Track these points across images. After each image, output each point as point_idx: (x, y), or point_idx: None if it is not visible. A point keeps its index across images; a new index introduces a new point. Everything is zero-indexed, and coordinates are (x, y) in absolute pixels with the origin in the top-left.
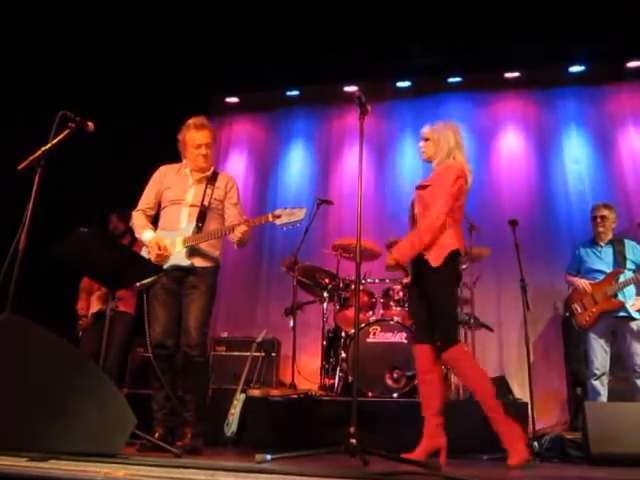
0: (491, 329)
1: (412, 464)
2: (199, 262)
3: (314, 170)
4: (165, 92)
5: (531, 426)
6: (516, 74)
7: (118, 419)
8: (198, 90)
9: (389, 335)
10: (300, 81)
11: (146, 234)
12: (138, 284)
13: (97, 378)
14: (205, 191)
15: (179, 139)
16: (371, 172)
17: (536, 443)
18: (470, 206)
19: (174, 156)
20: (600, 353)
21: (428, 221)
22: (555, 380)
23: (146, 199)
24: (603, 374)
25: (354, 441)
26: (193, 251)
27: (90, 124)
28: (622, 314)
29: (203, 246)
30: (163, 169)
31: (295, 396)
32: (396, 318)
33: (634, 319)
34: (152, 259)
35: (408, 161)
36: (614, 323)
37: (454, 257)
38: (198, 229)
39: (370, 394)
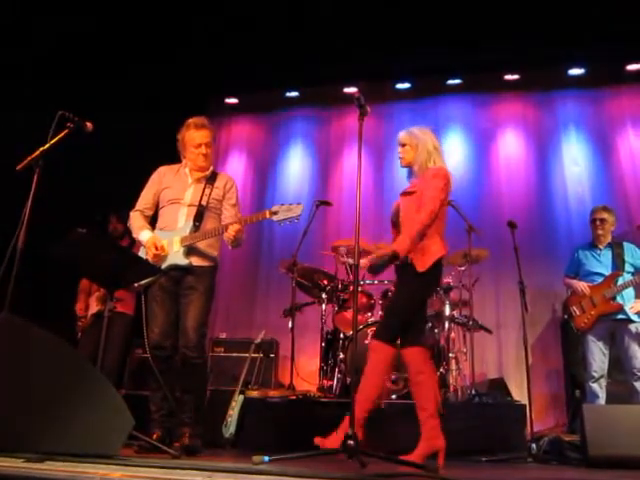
0: (489, 331)
1: (410, 466)
2: (197, 261)
3: (313, 171)
4: (165, 92)
5: (529, 428)
6: (516, 76)
7: (116, 420)
8: (198, 91)
9: None
10: (299, 82)
11: (143, 234)
12: (136, 285)
13: (95, 379)
14: (204, 191)
15: (178, 139)
16: (370, 173)
17: (534, 445)
18: (469, 208)
19: (174, 156)
20: (598, 356)
21: (422, 216)
22: (553, 382)
23: (144, 199)
24: (601, 377)
25: (352, 443)
26: (191, 250)
27: (89, 124)
28: (621, 317)
29: (201, 246)
30: (162, 169)
31: (294, 397)
32: None
33: (633, 322)
34: (149, 259)
35: None
36: (613, 326)
37: (439, 265)
38: (195, 228)
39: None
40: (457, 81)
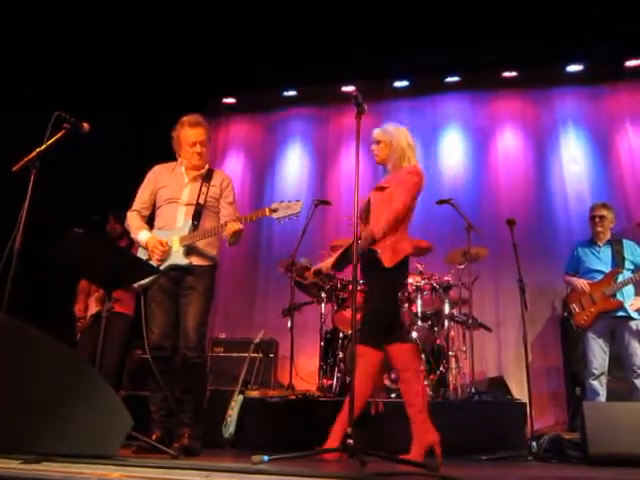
0: (489, 329)
1: (410, 465)
2: (197, 261)
3: (311, 171)
4: (163, 93)
5: (529, 426)
6: (514, 73)
7: (114, 420)
8: (196, 91)
9: None
10: (297, 81)
11: (142, 235)
12: (136, 285)
13: (92, 379)
14: (201, 189)
15: (173, 136)
16: (368, 172)
17: (534, 443)
18: (468, 206)
19: (172, 157)
20: (599, 353)
21: (395, 205)
22: (553, 380)
23: (140, 199)
24: (602, 374)
25: (352, 442)
26: (190, 250)
27: (85, 125)
28: (621, 314)
29: (201, 245)
30: (158, 168)
31: (293, 397)
32: None
33: (633, 319)
34: (156, 258)
35: None
36: (613, 323)
37: (406, 262)
38: (194, 227)
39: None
40: (455, 79)
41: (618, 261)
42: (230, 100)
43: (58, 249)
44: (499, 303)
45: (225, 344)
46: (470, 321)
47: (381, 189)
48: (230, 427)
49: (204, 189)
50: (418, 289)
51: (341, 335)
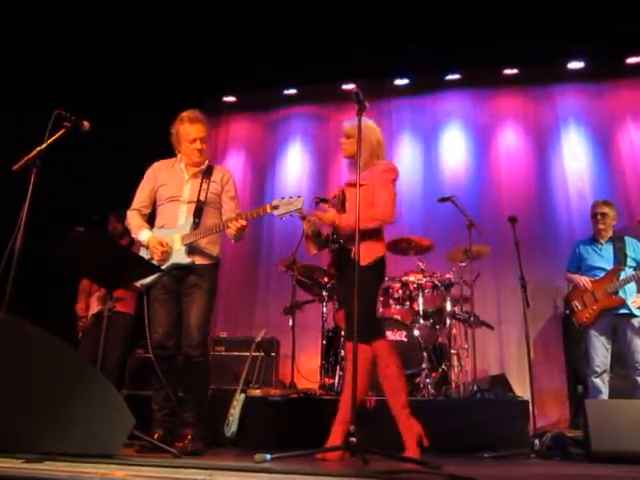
0: (491, 327)
1: (413, 463)
2: (199, 260)
3: (312, 169)
4: (163, 91)
5: (532, 424)
6: (515, 71)
7: (116, 420)
8: (196, 89)
9: (389, 334)
10: (298, 80)
11: (143, 234)
12: (139, 284)
13: (94, 378)
14: (201, 186)
15: (172, 133)
16: None
17: (537, 441)
18: (469, 203)
19: (172, 155)
20: (601, 350)
21: (381, 211)
22: (556, 378)
23: (140, 197)
24: (604, 371)
25: (354, 440)
26: (192, 249)
27: (85, 123)
28: (623, 311)
29: (203, 243)
30: (157, 165)
31: (295, 396)
32: (396, 316)
33: (635, 316)
34: (157, 258)
35: (406, 159)
36: (615, 320)
37: (383, 261)
38: (195, 225)
39: (369, 393)
40: (456, 76)
41: (620, 258)
42: (230, 98)
43: (59, 248)
44: (501, 301)
45: (226, 343)
46: (472, 319)
47: (357, 185)
48: (232, 426)
49: (205, 185)
50: (420, 287)
51: (343, 333)
